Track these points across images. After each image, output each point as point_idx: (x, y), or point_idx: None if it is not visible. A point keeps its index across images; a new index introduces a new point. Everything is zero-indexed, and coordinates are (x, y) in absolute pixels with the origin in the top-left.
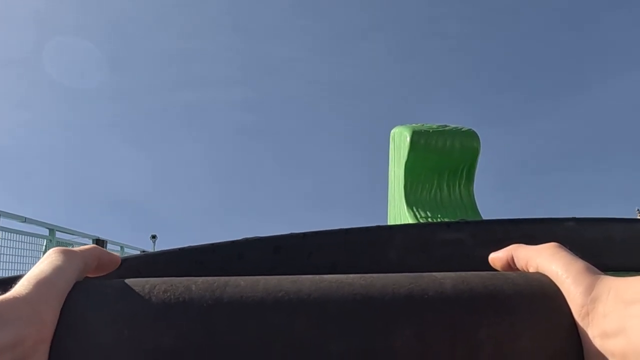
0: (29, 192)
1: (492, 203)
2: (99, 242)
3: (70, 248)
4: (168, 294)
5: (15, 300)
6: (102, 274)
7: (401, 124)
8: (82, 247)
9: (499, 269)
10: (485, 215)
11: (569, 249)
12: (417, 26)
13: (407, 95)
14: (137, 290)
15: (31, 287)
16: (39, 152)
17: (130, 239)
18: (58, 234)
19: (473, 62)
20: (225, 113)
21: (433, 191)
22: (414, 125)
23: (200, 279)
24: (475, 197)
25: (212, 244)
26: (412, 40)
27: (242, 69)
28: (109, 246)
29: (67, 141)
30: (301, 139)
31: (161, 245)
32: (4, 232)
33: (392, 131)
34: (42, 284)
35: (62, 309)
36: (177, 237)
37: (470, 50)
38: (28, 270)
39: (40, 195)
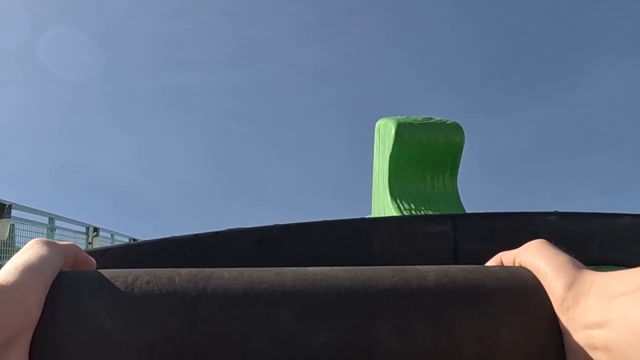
0: (10, 176)
1: (478, 192)
2: (94, 230)
3: (52, 240)
4: (151, 285)
5: (2, 287)
6: None
7: (387, 115)
8: (61, 242)
9: None
10: (470, 205)
11: (554, 244)
12: (405, 12)
13: (394, 82)
14: (120, 281)
15: (18, 274)
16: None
17: (114, 225)
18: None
19: (461, 50)
20: (208, 97)
21: (417, 183)
22: (399, 117)
23: (183, 270)
24: (460, 188)
25: (196, 235)
26: (399, 26)
27: (226, 52)
28: (101, 233)
29: (48, 125)
30: (286, 125)
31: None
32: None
33: (377, 123)
34: (29, 272)
35: (45, 297)
36: (161, 221)
37: (459, 37)
38: None
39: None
